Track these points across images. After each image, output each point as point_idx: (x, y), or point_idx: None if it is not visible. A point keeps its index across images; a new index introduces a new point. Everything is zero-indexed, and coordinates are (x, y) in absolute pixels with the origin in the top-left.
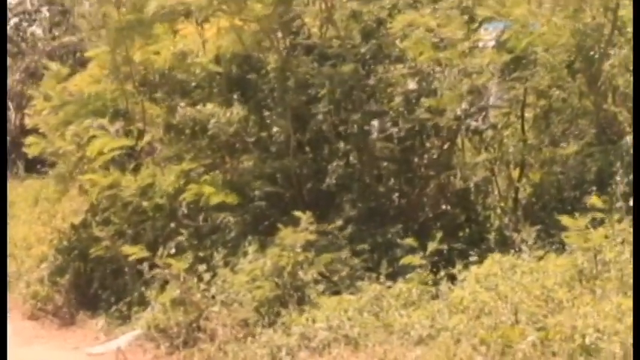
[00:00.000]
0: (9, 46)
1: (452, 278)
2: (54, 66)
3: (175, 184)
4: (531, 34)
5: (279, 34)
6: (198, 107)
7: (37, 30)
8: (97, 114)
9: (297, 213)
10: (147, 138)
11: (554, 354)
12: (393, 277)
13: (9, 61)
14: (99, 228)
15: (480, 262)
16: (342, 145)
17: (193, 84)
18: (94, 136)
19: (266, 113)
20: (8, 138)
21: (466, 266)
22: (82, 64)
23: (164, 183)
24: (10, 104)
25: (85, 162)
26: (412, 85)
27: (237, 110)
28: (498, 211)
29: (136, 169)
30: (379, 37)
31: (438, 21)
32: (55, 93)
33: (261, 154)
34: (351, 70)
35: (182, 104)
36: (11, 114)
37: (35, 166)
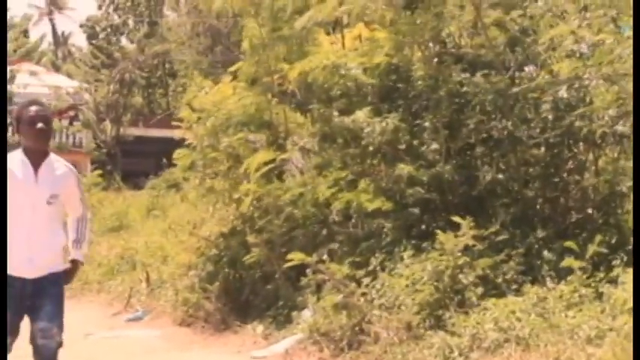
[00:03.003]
0: (103, 57)
1: (609, 281)
2: (197, 78)
3: (327, 193)
4: None
5: (430, 44)
6: (352, 117)
7: (124, 40)
8: (244, 125)
9: (456, 218)
10: (294, 148)
11: None
12: (550, 279)
13: (106, 72)
14: (253, 236)
15: (630, 264)
16: (491, 152)
17: (339, 92)
18: (248, 150)
19: (417, 122)
20: (104, 150)
21: (621, 269)
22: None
23: (315, 192)
24: (104, 116)
25: (237, 173)
26: (562, 92)
27: (391, 119)
28: None
29: (280, 177)
30: (525, 45)
31: (586, 30)
32: (201, 104)
33: (413, 162)
34: (501, 78)
35: (335, 113)
36: (107, 125)
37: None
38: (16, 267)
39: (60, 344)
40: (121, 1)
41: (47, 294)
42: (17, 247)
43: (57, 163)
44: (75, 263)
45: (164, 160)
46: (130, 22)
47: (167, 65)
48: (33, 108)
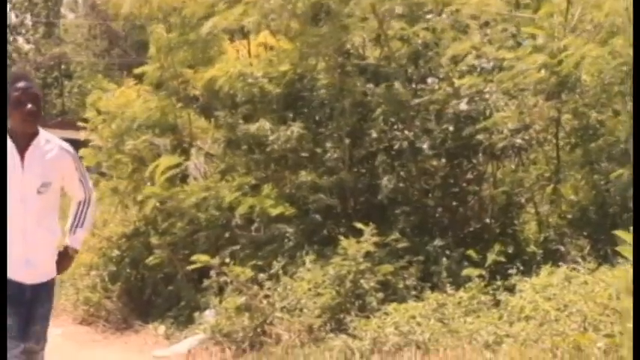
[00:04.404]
0: None
1: (508, 289)
2: (101, 80)
3: (230, 197)
4: (582, 57)
5: (335, 55)
6: (257, 125)
7: (21, 40)
8: (148, 128)
9: (359, 225)
10: (198, 152)
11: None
12: (450, 286)
13: None
14: (155, 237)
15: (526, 273)
16: (393, 161)
17: (244, 99)
18: (152, 153)
19: (320, 130)
20: None
21: (518, 277)
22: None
23: (219, 196)
24: None
25: (141, 175)
26: (462, 105)
27: (296, 127)
28: (542, 225)
29: (183, 180)
30: (428, 58)
31: (487, 47)
32: (106, 106)
33: (316, 169)
34: (404, 90)
35: (240, 120)
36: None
37: None
38: (14, 270)
39: None
40: (18, 0)
41: (39, 310)
42: (13, 246)
43: (48, 145)
44: (67, 250)
45: None
46: (28, 21)
47: (63, 66)
48: (20, 85)
